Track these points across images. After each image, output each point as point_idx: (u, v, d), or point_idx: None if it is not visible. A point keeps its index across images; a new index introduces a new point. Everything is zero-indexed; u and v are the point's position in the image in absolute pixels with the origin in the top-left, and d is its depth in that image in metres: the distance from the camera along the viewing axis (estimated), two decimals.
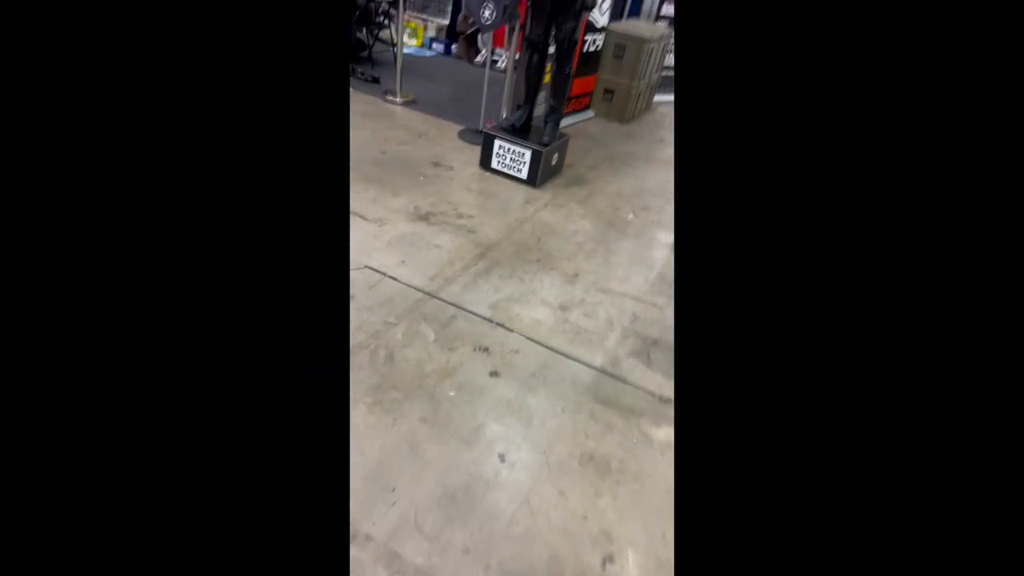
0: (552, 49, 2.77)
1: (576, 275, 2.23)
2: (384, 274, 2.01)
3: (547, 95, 3.00)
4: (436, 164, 2.99)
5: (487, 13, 2.99)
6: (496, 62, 4.84)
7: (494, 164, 2.98)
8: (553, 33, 2.70)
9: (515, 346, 1.78)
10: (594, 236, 2.56)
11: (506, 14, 2.83)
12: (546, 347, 1.80)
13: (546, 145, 2.84)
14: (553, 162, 3.00)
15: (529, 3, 2.67)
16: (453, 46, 5.27)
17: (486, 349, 1.74)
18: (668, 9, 4.63)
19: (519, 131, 2.94)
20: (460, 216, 2.52)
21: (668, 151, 3.88)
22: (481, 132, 3.33)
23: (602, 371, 1.74)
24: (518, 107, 2.99)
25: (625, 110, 4.23)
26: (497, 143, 2.91)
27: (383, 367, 1.60)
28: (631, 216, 2.82)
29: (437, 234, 2.33)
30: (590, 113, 4.31)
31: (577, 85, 3.93)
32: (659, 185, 3.25)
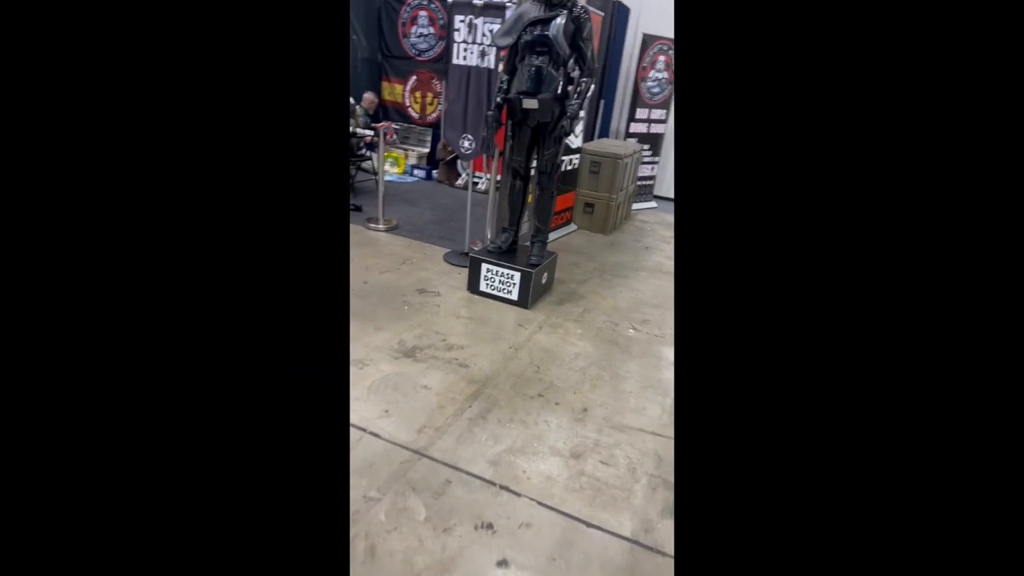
0: (533, 172, 2.79)
1: (585, 410, 1.97)
2: (364, 430, 1.73)
3: (531, 215, 2.97)
4: (422, 291, 2.84)
5: (466, 143, 3.05)
6: (477, 184, 4.98)
7: (483, 287, 2.84)
8: (535, 159, 2.73)
9: (525, 517, 1.46)
10: (597, 359, 2.35)
11: (484, 145, 2.89)
12: (563, 514, 1.48)
13: (535, 265, 2.73)
14: (543, 280, 2.88)
15: (508, 132, 2.72)
16: (434, 172, 5.47)
17: (490, 526, 1.42)
18: (634, 127, 4.93)
19: (506, 253, 2.85)
20: (450, 348, 2.30)
21: (655, 258, 3.84)
22: (467, 254, 3.25)
23: (635, 542, 1.42)
24: (503, 230, 2.94)
25: (607, 221, 4.28)
26: (485, 266, 2.80)
27: (363, 567, 1.26)
28: (632, 331, 2.64)
29: (425, 372, 2.09)
30: (573, 226, 4.34)
31: (559, 202, 3.98)
32: (654, 294, 3.13)
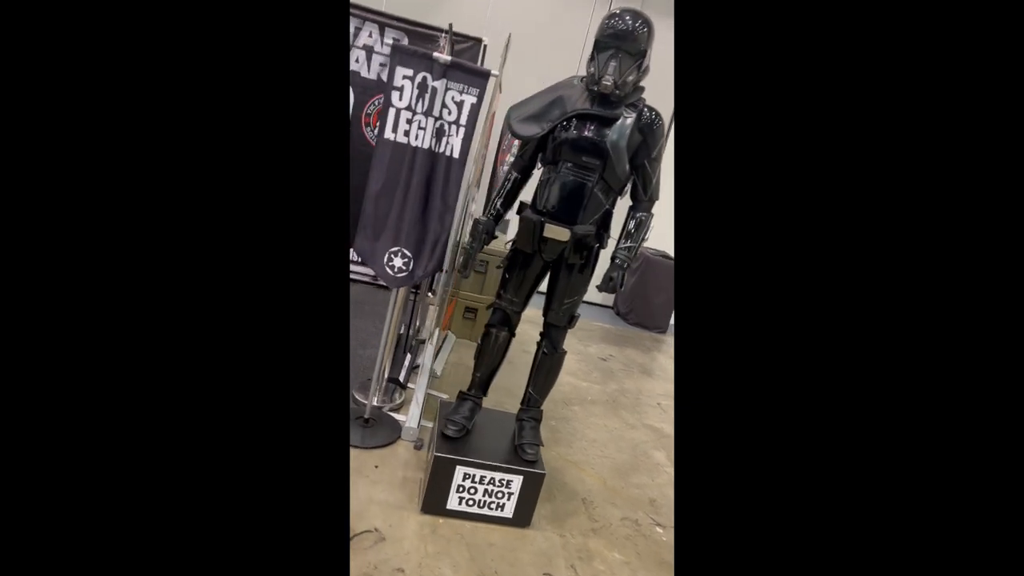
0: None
1: None
2: None
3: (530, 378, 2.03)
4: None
5: (399, 262, 1.92)
6: None
7: (453, 504, 1.73)
8: (533, 302, 1.85)
9: None
10: None
11: (464, 263, 1.87)
12: None
13: (533, 461, 1.79)
14: None
15: (505, 261, 1.79)
16: None
17: None
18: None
19: (466, 436, 1.83)
20: None
21: (570, 379, 3.30)
22: (368, 420, 2.05)
23: None
24: (463, 398, 1.91)
25: None
26: (461, 471, 1.71)
27: None
28: (660, 530, 2.00)
29: None
30: (451, 338, 3.44)
31: (430, 312, 3.05)
32: (616, 447, 2.56)
